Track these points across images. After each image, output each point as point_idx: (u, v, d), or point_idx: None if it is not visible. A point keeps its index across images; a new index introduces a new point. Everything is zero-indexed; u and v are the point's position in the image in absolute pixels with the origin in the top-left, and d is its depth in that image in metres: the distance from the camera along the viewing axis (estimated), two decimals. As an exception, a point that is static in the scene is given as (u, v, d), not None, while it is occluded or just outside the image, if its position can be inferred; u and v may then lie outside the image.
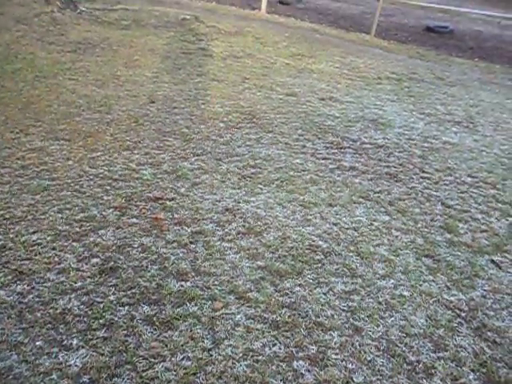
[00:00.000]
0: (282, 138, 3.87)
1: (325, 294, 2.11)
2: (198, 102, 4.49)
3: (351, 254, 2.42)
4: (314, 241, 2.49)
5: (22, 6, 7.47)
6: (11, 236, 2.28)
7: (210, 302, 1.99)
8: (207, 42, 7.06)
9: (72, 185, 2.81)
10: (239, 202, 2.79)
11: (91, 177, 2.92)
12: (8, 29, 6.21)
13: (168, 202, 2.72)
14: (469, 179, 3.45)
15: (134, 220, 2.52)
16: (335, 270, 2.28)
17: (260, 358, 1.74)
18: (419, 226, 2.74)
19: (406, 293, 2.17)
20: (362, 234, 2.60)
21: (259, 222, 2.61)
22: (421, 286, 2.23)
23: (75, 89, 4.45)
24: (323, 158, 3.53)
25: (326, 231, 2.59)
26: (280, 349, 1.79)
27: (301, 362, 1.75)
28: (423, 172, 3.48)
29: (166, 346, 1.75)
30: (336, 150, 3.70)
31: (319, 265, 2.31)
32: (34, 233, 2.33)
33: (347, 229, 2.64)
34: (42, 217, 2.47)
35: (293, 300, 2.04)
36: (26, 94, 4.19)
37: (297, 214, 2.73)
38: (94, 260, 2.18)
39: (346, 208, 2.85)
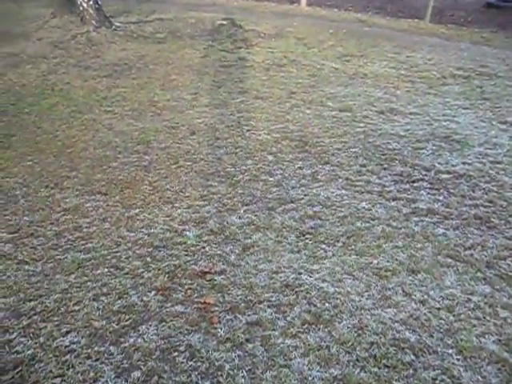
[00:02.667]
0: (341, 171, 3.35)
1: (425, 423, 1.63)
2: (243, 129, 4.06)
3: (450, 350, 1.91)
4: (398, 331, 1.99)
5: (58, 28, 7.35)
6: (42, 340, 1.97)
7: None
8: (247, 48, 6.60)
9: (109, 258, 2.47)
10: (300, 273, 2.34)
11: (129, 244, 2.58)
12: (45, 56, 6.07)
13: (217, 278, 2.32)
14: None
15: (180, 308, 2.14)
16: (433, 381, 1.77)
17: None
18: (533, 300, 2.16)
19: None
20: (459, 317, 2.06)
21: (327, 304, 2.14)
22: (554, 405, 1.68)
23: (111, 124, 4.16)
24: (394, 199, 2.98)
25: (412, 314, 2.08)
26: None
27: None
28: (522, 211, 2.85)
29: None
30: (407, 186, 3.14)
31: (410, 371, 1.82)
32: (67, 333, 2.01)
33: (439, 309, 2.11)
34: (77, 308, 2.15)
35: None
36: (61, 135, 3.95)
37: (372, 287, 2.24)
38: (135, 374, 1.82)
39: (432, 275, 2.31)
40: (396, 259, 2.42)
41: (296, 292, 2.22)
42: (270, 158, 3.56)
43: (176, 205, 2.94)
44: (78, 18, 7.37)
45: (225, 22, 7.77)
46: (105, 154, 3.59)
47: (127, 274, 2.36)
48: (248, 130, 4.04)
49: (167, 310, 2.14)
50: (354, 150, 3.67)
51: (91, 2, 7.14)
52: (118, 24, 7.49)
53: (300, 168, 3.40)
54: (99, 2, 7.28)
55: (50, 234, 2.69)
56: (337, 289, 2.23)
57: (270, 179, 3.25)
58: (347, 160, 3.51)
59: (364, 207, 2.89)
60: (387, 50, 6.53)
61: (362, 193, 3.06)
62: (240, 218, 2.81)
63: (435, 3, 9.01)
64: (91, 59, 6.11)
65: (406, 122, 4.18)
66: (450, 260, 2.42)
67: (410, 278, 2.30)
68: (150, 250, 2.54)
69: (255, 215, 2.83)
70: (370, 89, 5.03)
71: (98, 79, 5.37)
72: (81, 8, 7.20)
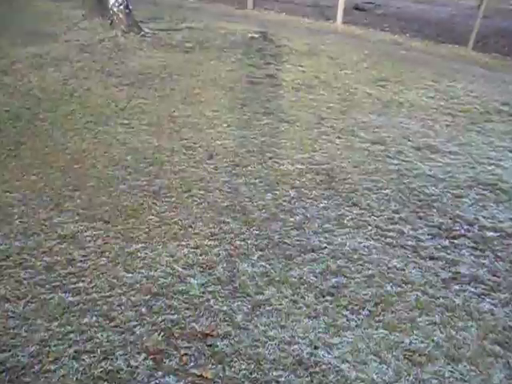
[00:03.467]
0: (370, 216, 2.99)
1: None
2: (264, 156, 3.73)
3: None
4: None
5: (87, 30, 7.21)
6: (6, 408, 1.67)
7: None
8: (276, 65, 6.30)
9: (99, 303, 2.17)
10: (317, 348, 1.98)
11: (125, 288, 2.27)
12: (69, 59, 5.89)
13: (219, 343, 1.98)
14: None
15: (171, 380, 1.81)
16: None
17: None
18: None
19: None
20: (510, 432, 1.67)
21: (347, 394, 1.78)
22: None
23: (125, 139, 3.89)
24: (431, 258, 2.60)
25: (451, 421, 1.70)
26: None
27: None
28: None
29: None
30: (447, 242, 2.75)
31: None
32: (36, 401, 1.70)
33: (485, 417, 1.72)
34: (53, 367, 1.84)
35: None
36: (72, 147, 3.70)
37: (403, 377, 1.86)
38: None
39: (476, 367, 1.92)
40: (433, 340, 2.04)
41: (310, 373, 1.86)
42: (292, 193, 3.22)
43: (183, 243, 2.63)
44: (107, 21, 7.23)
45: (256, 36, 7.51)
46: (113, 174, 3.31)
47: (117, 326, 2.05)
48: (270, 158, 3.72)
49: (156, 381, 1.81)
50: (385, 191, 3.29)
51: (122, 7, 6.99)
52: (147, 30, 7.31)
53: (324, 208, 3.05)
54: (130, 7, 7.13)
55: (40, 266, 2.40)
56: (360, 374, 1.87)
57: (291, 219, 2.90)
58: (378, 203, 3.14)
59: (395, 266, 2.52)
60: (425, 76, 6.13)
61: (394, 246, 2.69)
62: (253, 266, 2.47)
63: (478, 29, 8.54)
64: (115, 65, 5.90)
65: (446, 162, 3.79)
66: (498, 348, 2.02)
67: (450, 367, 1.91)
68: (146, 297, 2.22)
69: (270, 264, 2.49)
70: (405, 120, 4.65)
71: (119, 87, 5.14)
72: (111, 12, 7.05)
